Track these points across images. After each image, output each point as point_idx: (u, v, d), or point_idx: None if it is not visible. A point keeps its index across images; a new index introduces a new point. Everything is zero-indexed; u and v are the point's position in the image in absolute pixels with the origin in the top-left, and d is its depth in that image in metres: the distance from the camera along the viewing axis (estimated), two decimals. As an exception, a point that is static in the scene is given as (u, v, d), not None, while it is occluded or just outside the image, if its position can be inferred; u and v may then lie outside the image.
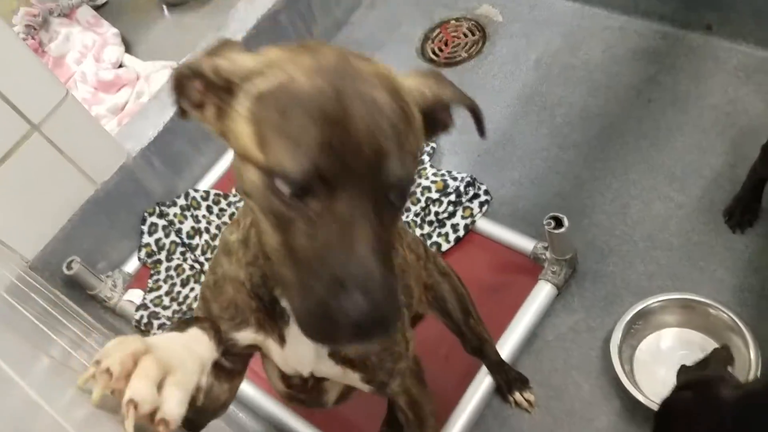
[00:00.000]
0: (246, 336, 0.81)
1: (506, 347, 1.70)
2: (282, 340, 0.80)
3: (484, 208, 1.96)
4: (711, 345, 1.61)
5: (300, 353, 0.82)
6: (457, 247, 1.90)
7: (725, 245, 1.75)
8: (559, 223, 1.64)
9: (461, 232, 1.91)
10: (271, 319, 0.79)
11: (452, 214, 1.94)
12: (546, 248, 1.79)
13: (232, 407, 1.78)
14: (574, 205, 1.93)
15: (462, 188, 1.97)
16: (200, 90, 0.64)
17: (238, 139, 0.61)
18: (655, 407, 1.50)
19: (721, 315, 1.58)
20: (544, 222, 1.65)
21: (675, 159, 1.93)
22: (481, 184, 2.00)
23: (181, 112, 0.68)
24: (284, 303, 0.76)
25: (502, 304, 1.78)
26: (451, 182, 1.97)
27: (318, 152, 0.55)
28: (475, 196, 1.97)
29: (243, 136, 0.60)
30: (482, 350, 1.49)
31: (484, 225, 1.93)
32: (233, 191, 2.19)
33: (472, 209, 1.95)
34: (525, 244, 1.85)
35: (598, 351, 1.68)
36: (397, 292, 0.58)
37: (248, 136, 0.59)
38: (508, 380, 1.63)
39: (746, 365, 1.49)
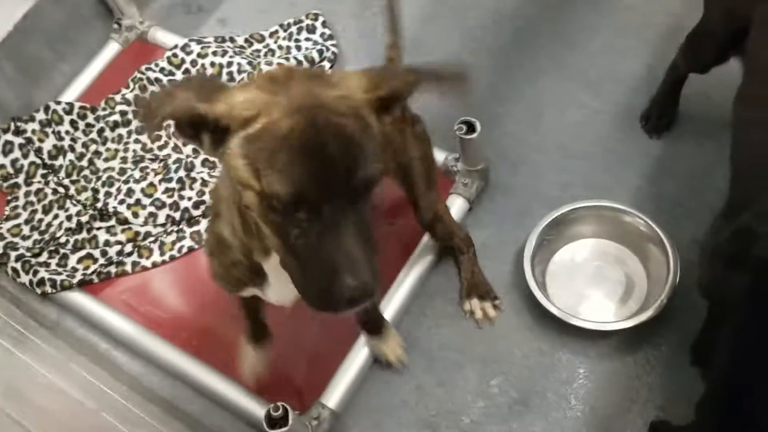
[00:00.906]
0: (247, 291, 1.09)
1: (417, 265, 1.57)
2: (263, 276, 1.01)
3: (390, 118, 1.79)
4: (626, 255, 1.54)
5: (282, 293, 1.04)
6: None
7: (641, 152, 1.67)
8: (471, 128, 1.49)
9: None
10: (259, 276, 1.00)
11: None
12: (457, 159, 1.66)
13: (105, 346, 1.58)
14: (485, 114, 1.78)
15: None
16: (195, 125, 0.76)
17: (235, 171, 0.75)
18: (568, 320, 1.44)
19: (637, 222, 1.51)
20: (455, 127, 1.50)
21: (590, 63, 1.82)
22: (387, 91, 1.83)
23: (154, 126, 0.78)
24: (265, 267, 0.97)
25: (412, 221, 1.64)
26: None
27: (302, 180, 0.71)
28: (380, 104, 1.80)
29: (239, 169, 0.74)
30: (434, 228, 1.46)
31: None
32: (102, 104, 1.90)
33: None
34: (436, 156, 1.68)
35: (510, 265, 1.59)
36: (377, 268, 0.76)
37: (243, 169, 0.73)
38: (472, 283, 1.53)
39: (664, 272, 1.43)
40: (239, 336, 1.42)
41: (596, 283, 1.53)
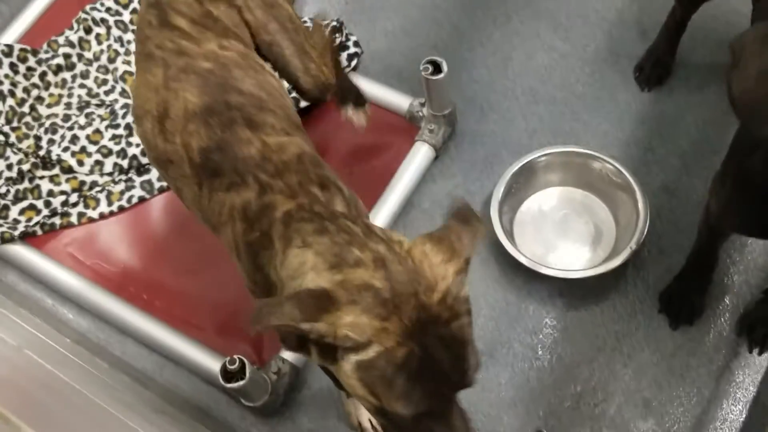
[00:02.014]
0: None
1: (380, 216, 1.51)
2: None
3: (354, 62, 1.70)
4: (595, 203, 1.50)
5: None
6: (323, 106, 1.65)
7: (610, 97, 1.62)
8: (437, 68, 1.42)
9: (326, 88, 1.66)
10: None
11: (315, 67, 1.67)
12: (423, 104, 1.58)
13: (51, 301, 1.50)
14: (452, 58, 1.70)
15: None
16: (298, 338, 0.73)
17: (348, 385, 0.75)
18: (537, 269, 1.40)
19: (606, 168, 1.46)
20: (421, 67, 1.42)
21: (559, 3, 1.74)
22: (351, 33, 1.74)
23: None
24: None
25: (376, 170, 1.58)
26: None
27: (422, 401, 0.71)
28: (343, 47, 1.70)
29: (353, 386, 0.74)
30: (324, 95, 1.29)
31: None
32: (44, 47, 1.77)
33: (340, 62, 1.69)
34: (400, 101, 1.63)
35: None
36: None
37: (358, 387, 0.73)
38: (345, 88, 1.46)
39: (633, 219, 1.40)
40: (193, 290, 1.36)
41: (564, 231, 1.49)
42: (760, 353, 1.32)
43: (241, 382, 1.22)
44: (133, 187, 1.59)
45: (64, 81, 1.75)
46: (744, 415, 1.29)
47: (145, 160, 1.60)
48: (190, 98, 0.97)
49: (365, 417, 1.30)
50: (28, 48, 1.76)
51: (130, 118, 1.63)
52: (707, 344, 1.35)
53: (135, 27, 1.09)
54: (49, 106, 1.71)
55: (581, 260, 1.45)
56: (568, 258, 1.46)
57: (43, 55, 1.76)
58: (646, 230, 1.37)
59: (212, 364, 1.34)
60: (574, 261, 1.45)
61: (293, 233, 0.81)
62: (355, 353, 0.71)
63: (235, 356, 1.23)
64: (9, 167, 1.60)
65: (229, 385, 1.22)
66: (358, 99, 1.48)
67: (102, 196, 1.58)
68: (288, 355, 1.36)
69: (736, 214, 1.08)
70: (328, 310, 0.70)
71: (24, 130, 1.66)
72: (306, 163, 0.92)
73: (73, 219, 1.57)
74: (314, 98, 1.30)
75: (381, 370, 0.70)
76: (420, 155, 1.57)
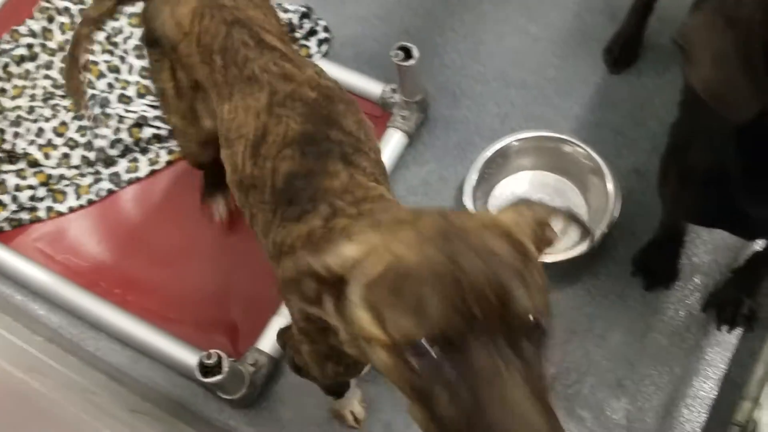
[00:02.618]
0: None
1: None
2: None
3: (324, 48, 1.69)
4: (566, 186, 1.51)
5: None
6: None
7: (581, 80, 1.63)
8: (408, 54, 1.41)
9: (296, 75, 1.64)
10: None
11: (284, 54, 1.65)
12: (395, 91, 1.57)
13: (20, 298, 1.48)
14: (424, 43, 1.69)
15: (296, 21, 1.67)
16: (315, 287, 0.64)
17: (359, 326, 0.61)
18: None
19: (578, 152, 1.47)
20: (392, 54, 1.41)
21: (529, -15, 1.75)
22: (320, 18, 1.72)
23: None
24: None
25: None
26: (281, 14, 1.65)
27: (440, 316, 0.55)
28: (312, 32, 1.69)
29: (363, 322, 0.60)
30: None
31: (324, 67, 1.65)
32: (5, 37, 1.73)
33: (308, 48, 1.67)
34: (372, 88, 1.61)
35: (451, 201, 1.54)
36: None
37: (367, 321, 0.59)
38: None
39: (604, 202, 1.41)
40: (166, 283, 1.34)
41: (537, 215, 1.50)
42: (729, 331, 1.35)
43: (219, 377, 1.21)
44: (101, 179, 1.56)
45: (27, 72, 1.71)
46: (714, 392, 1.32)
47: (112, 152, 1.57)
48: (293, 125, 0.93)
49: (347, 409, 1.30)
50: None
51: (96, 109, 1.60)
52: (678, 323, 1.38)
53: (209, 46, 1.01)
54: (12, 98, 1.67)
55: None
56: (541, 242, 1.47)
57: (4, 46, 1.72)
58: (617, 213, 1.39)
59: (188, 358, 1.33)
60: (547, 245, 1.46)
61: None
62: (361, 273, 0.60)
63: (212, 351, 1.22)
64: (-27, 162, 1.57)
65: (206, 380, 1.22)
66: None
67: (70, 190, 1.56)
68: (265, 346, 1.36)
69: (683, 208, 1.10)
70: (331, 242, 0.65)
71: (-13, 123, 1.63)
72: (387, 201, 0.86)
73: (42, 213, 1.54)
74: None
75: (389, 281, 0.58)
76: (393, 142, 1.56)
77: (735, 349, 1.35)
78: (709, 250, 1.42)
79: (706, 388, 1.33)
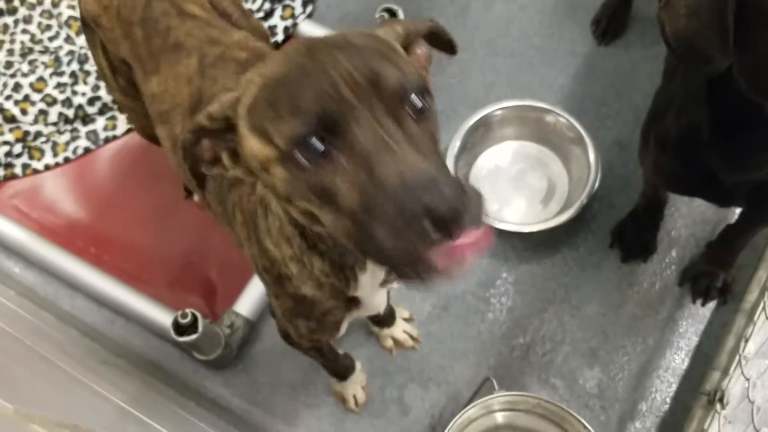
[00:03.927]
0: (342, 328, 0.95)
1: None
2: (356, 303, 0.87)
3: (309, 9, 1.66)
4: (549, 157, 1.51)
5: (374, 303, 0.91)
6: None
7: (568, 50, 1.61)
8: (393, 16, 1.39)
9: (280, 36, 1.62)
10: (354, 305, 0.87)
11: (269, 14, 1.62)
12: (378, 55, 1.55)
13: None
14: (410, 6, 1.67)
15: (280, -18, 1.64)
16: (209, 146, 0.65)
17: (255, 157, 0.61)
18: (491, 223, 1.41)
19: (560, 122, 1.46)
20: (377, 15, 1.39)
21: (519, -48, 1.72)
22: (304, -21, 1.69)
23: (201, 178, 0.68)
24: (360, 292, 0.83)
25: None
26: (265, -25, 1.63)
27: (315, 106, 0.56)
28: (297, -6, 1.66)
29: (255, 149, 0.60)
30: None
31: (308, 29, 1.64)
32: None
33: (293, 9, 1.64)
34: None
35: (433, 169, 1.53)
36: (458, 180, 0.54)
37: (257, 145, 0.60)
38: None
39: (585, 173, 1.41)
40: (143, 243, 1.33)
41: (519, 186, 1.49)
42: (703, 304, 1.36)
43: (194, 336, 1.21)
44: (78, 137, 1.54)
45: (5, 26, 1.67)
46: (686, 363, 1.34)
47: (91, 110, 1.54)
48: (230, 85, 0.89)
49: (350, 392, 1.31)
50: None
51: (75, 65, 1.57)
52: (653, 296, 1.39)
53: (128, 19, 0.98)
54: (-11, 52, 1.64)
55: (534, 214, 1.46)
56: (522, 212, 1.47)
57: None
58: (597, 184, 1.39)
59: (164, 318, 1.32)
60: (527, 214, 1.46)
61: None
62: (241, 105, 0.61)
63: (187, 310, 1.22)
64: (-52, 117, 1.54)
65: (181, 339, 1.22)
66: None
67: (47, 147, 1.53)
68: (242, 308, 1.36)
69: (662, 174, 1.10)
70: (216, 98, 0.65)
71: (-37, 77, 1.59)
72: None
73: (18, 170, 1.52)
74: None
75: (263, 98, 0.59)
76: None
77: (708, 322, 1.36)
78: (687, 224, 1.43)
79: (677, 359, 1.34)
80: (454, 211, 0.52)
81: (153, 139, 1.32)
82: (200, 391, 1.35)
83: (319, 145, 0.56)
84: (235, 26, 1.04)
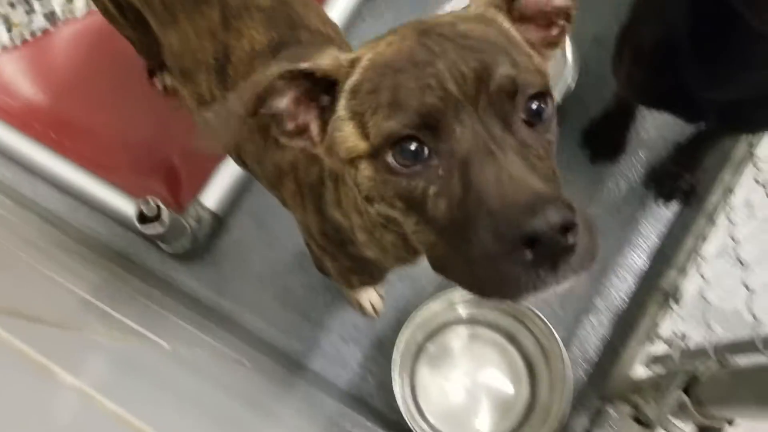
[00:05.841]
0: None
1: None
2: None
3: None
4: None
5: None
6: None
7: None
8: None
9: None
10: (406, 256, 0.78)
11: None
12: None
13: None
14: None
15: None
16: (292, 111, 0.58)
17: (345, 143, 0.57)
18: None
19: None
20: None
21: None
22: None
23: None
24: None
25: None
26: None
27: (416, 102, 0.51)
28: None
29: (348, 136, 0.56)
30: None
31: None
32: None
33: None
34: None
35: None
36: (570, 201, 0.47)
37: (352, 133, 0.56)
38: None
39: (561, 69, 1.37)
40: (104, 127, 1.27)
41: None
42: (666, 205, 1.38)
43: (158, 227, 1.19)
44: (33, 13, 1.44)
45: None
46: (646, 263, 1.37)
47: (44, -13, 1.45)
48: (257, 36, 0.83)
49: (365, 298, 1.32)
50: None
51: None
52: (617, 196, 1.40)
53: None
54: None
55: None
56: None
57: None
58: (573, 82, 1.36)
59: (127, 207, 1.30)
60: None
61: None
62: (350, 82, 0.57)
63: (149, 197, 1.19)
64: None
65: (145, 229, 1.20)
66: None
67: (1, 28, 1.44)
68: (207, 200, 1.34)
69: (634, 87, 1.08)
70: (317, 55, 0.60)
71: None
72: None
73: (-32, 50, 1.44)
74: None
75: (368, 81, 0.55)
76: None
77: (670, 223, 1.38)
78: (657, 125, 1.42)
79: (637, 258, 1.37)
80: (560, 246, 0.45)
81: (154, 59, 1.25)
82: (167, 281, 1.36)
83: (415, 150, 0.52)
84: None
